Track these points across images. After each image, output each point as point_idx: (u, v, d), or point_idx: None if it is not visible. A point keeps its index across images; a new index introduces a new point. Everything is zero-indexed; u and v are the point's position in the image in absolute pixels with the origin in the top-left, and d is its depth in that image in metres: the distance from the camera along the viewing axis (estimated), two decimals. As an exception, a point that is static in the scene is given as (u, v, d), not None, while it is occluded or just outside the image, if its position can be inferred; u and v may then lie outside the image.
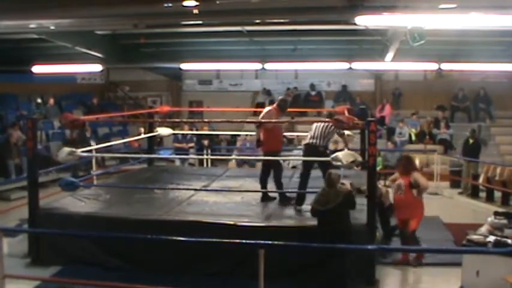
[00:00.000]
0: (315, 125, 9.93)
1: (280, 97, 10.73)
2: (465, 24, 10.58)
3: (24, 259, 9.37)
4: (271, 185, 10.28)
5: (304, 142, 10.18)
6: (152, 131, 14.49)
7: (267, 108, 10.47)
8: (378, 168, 12.36)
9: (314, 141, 9.67)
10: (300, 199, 9.73)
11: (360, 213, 8.50)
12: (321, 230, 8.03)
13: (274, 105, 10.43)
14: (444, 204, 14.31)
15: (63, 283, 7.91)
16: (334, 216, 7.94)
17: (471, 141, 16.36)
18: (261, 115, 10.27)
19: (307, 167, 9.93)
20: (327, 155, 9.73)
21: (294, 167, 11.90)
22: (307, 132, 10.28)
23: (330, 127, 9.60)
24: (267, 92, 23.33)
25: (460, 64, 18.57)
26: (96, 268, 8.63)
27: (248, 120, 18.03)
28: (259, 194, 10.35)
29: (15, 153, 16.50)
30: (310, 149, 9.78)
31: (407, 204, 9.28)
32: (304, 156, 10.11)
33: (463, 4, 9.30)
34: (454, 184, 16.35)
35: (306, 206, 9.68)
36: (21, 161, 16.28)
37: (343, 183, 8.40)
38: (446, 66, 18.72)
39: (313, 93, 23.03)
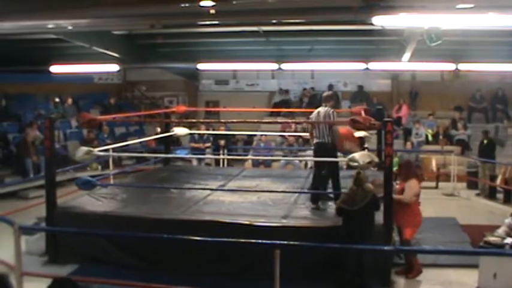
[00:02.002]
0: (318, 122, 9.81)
1: (326, 94, 10.50)
2: (482, 24, 10.52)
3: (41, 257, 9.45)
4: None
5: (312, 142, 10.13)
6: (169, 131, 14.54)
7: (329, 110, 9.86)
8: (395, 169, 12.29)
9: (320, 140, 9.65)
10: (315, 199, 9.73)
11: (376, 214, 8.47)
12: (346, 230, 7.99)
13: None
14: (461, 206, 14.25)
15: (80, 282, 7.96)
16: (361, 217, 7.92)
17: (485, 141, 16.31)
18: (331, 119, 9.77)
19: (320, 166, 9.94)
20: (335, 152, 9.77)
21: (312, 167, 11.87)
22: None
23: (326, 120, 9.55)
24: (285, 92, 23.35)
25: (478, 64, 18.46)
26: (112, 267, 8.66)
27: (264, 120, 18.11)
28: (276, 194, 10.34)
29: (32, 152, 16.63)
30: (319, 149, 9.75)
31: (400, 210, 8.71)
32: (315, 156, 10.07)
33: (481, 4, 9.24)
34: (471, 185, 16.27)
35: (321, 206, 9.73)
36: (39, 160, 16.41)
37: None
38: (463, 66, 18.63)
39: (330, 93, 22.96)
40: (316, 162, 10.13)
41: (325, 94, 10.42)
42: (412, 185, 8.82)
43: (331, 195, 9.93)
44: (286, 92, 23.42)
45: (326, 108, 9.71)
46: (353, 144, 10.47)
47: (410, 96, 22.30)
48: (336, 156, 9.94)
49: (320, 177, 9.87)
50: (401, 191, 8.88)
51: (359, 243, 7.44)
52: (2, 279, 4.34)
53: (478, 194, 15.53)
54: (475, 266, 7.99)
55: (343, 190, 9.27)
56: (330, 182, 9.99)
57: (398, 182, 9.41)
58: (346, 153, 10.12)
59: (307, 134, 10.43)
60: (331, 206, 9.63)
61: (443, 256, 9.15)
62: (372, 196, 8.09)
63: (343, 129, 10.22)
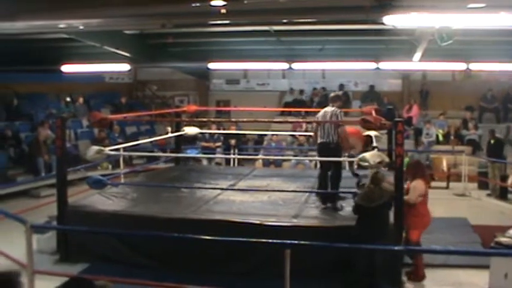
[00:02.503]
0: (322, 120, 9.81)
1: (333, 94, 10.53)
2: (494, 23, 10.48)
3: (52, 256, 9.50)
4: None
5: (317, 142, 10.09)
6: (179, 130, 14.57)
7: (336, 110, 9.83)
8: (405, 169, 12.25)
9: (325, 139, 9.64)
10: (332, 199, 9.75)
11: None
12: (359, 229, 7.99)
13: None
14: (472, 206, 14.20)
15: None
16: (377, 215, 7.92)
17: (492, 141, 16.27)
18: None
19: (325, 166, 9.95)
20: (339, 152, 9.77)
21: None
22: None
23: (332, 119, 9.54)
24: (300, 92, 23.36)
25: (489, 64, 18.38)
26: (122, 266, 8.70)
27: (275, 120, 18.10)
28: (286, 194, 10.35)
29: (44, 151, 16.71)
30: (323, 148, 9.76)
31: (407, 211, 8.62)
32: (319, 156, 10.09)
33: (492, 3, 9.20)
34: (482, 185, 16.21)
35: (331, 206, 9.73)
36: (50, 159, 16.49)
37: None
38: (474, 66, 18.54)
39: (340, 93, 22.95)
40: (322, 162, 10.14)
41: (332, 94, 10.43)
42: (417, 185, 8.75)
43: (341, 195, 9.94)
44: (301, 92, 23.43)
45: (333, 108, 9.71)
46: (358, 142, 10.46)
47: (421, 95, 22.25)
48: (340, 157, 9.97)
49: (327, 177, 9.87)
50: (408, 191, 8.82)
51: (372, 242, 7.43)
52: (13, 277, 4.35)
53: (489, 194, 15.47)
54: (486, 267, 7.97)
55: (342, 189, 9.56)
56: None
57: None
58: (350, 154, 10.18)
59: (312, 133, 10.45)
60: (343, 206, 9.64)
61: (454, 256, 9.11)
62: (389, 196, 8.11)
63: (351, 129, 10.21)
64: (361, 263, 7.88)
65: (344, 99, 10.17)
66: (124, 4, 10.21)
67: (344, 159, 10.66)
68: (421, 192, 8.72)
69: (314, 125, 11.18)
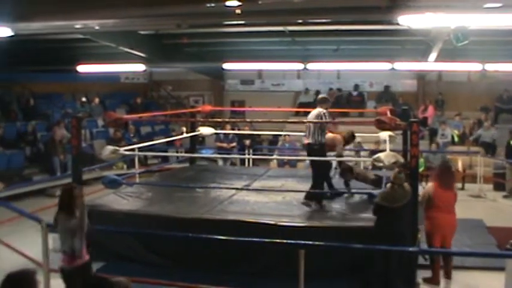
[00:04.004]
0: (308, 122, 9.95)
1: (320, 96, 10.69)
2: (510, 23, 10.41)
3: (68, 255, 9.54)
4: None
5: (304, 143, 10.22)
6: (194, 131, 14.60)
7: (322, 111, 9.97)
8: (420, 170, 12.20)
9: (310, 140, 9.73)
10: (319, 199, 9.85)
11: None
12: (381, 229, 7.93)
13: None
14: (487, 207, 14.10)
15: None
16: (400, 216, 7.89)
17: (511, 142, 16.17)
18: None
19: (315, 167, 10.04)
20: (323, 152, 9.83)
21: (336, 168, 11.88)
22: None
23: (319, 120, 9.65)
24: (316, 93, 23.30)
25: (505, 64, 18.25)
26: (137, 265, 8.75)
27: (290, 120, 18.06)
28: (301, 194, 10.36)
29: (59, 151, 16.81)
30: (308, 149, 9.89)
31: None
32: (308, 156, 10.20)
33: (509, 3, 9.13)
34: (498, 187, 16.11)
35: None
36: (66, 159, 16.58)
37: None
38: (490, 66, 18.41)
39: (355, 93, 22.95)
40: (312, 162, 10.20)
41: (320, 96, 10.66)
42: (426, 186, 8.74)
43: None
44: (317, 92, 23.33)
45: (320, 110, 9.81)
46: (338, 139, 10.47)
47: (437, 103, 22.01)
48: (325, 157, 10.04)
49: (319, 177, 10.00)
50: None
51: (394, 243, 7.41)
52: (30, 275, 4.40)
53: (505, 196, 15.36)
54: (502, 269, 7.91)
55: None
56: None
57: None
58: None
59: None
60: (356, 206, 9.63)
61: (470, 258, 9.06)
62: (412, 196, 8.09)
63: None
64: (378, 264, 7.85)
65: (329, 103, 10.27)
66: (139, 4, 10.25)
67: (345, 159, 10.74)
68: (424, 194, 8.66)
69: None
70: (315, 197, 9.83)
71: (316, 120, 9.63)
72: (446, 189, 8.59)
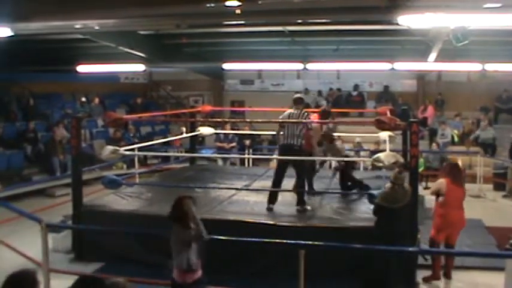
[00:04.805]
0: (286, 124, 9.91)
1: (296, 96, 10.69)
2: (510, 23, 10.41)
3: (68, 254, 9.58)
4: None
5: (279, 143, 10.20)
6: (194, 131, 14.60)
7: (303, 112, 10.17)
8: (420, 170, 12.20)
9: (288, 141, 9.70)
10: (272, 197, 9.85)
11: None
12: (381, 229, 7.93)
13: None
14: (487, 207, 14.09)
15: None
16: (401, 216, 7.88)
17: (516, 142, 16.19)
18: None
19: (281, 166, 10.03)
20: (304, 154, 9.86)
21: (336, 168, 11.89)
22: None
23: (300, 123, 9.67)
24: (319, 93, 23.31)
25: (505, 64, 18.24)
26: (137, 265, 8.73)
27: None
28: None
29: (59, 151, 16.81)
30: (285, 149, 9.83)
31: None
32: (280, 156, 10.22)
33: (508, 3, 9.13)
34: (498, 187, 16.10)
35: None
36: (65, 159, 16.58)
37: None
38: (490, 66, 18.41)
39: (354, 93, 22.95)
40: (278, 162, 10.28)
41: (296, 96, 10.60)
42: (438, 181, 8.79)
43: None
44: (319, 93, 23.36)
45: (298, 111, 9.85)
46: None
47: (436, 103, 22.00)
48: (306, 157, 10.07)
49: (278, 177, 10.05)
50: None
51: (394, 243, 7.41)
52: (30, 275, 4.39)
53: (505, 196, 15.36)
54: (501, 269, 7.91)
55: None
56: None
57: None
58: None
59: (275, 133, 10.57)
60: (356, 206, 9.63)
61: (470, 258, 9.06)
62: (412, 196, 8.10)
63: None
64: (377, 264, 7.84)
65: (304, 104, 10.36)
66: (139, 4, 10.24)
67: (343, 159, 10.77)
68: (434, 190, 8.70)
69: (330, 125, 11.32)
70: (303, 199, 9.85)
71: (307, 121, 9.67)
72: (457, 186, 8.66)
